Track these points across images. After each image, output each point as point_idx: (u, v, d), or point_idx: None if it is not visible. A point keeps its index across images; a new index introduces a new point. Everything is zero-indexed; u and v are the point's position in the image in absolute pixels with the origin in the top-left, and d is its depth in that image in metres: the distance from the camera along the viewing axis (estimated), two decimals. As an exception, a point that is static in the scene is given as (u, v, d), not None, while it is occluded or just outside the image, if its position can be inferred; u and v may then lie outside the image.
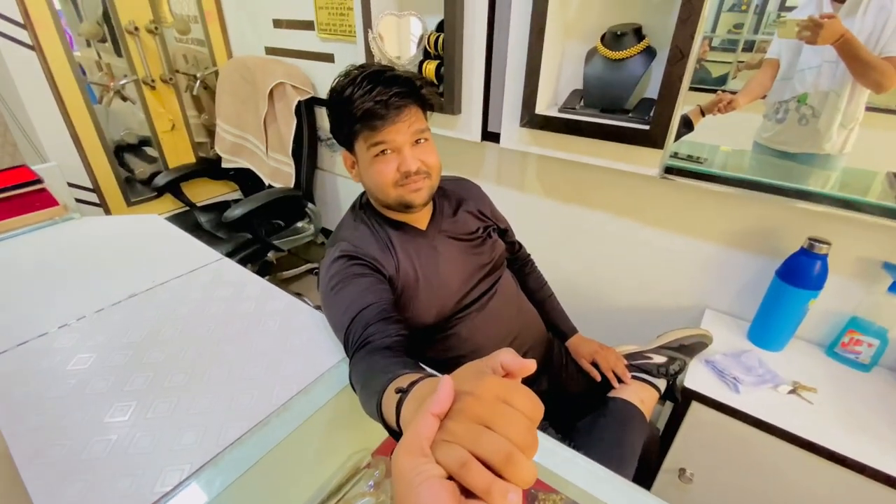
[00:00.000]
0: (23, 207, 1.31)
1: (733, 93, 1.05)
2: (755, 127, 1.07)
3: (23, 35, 1.55)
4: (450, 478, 0.29)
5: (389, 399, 0.49)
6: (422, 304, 0.84)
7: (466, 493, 0.29)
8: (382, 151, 0.77)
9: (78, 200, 1.86)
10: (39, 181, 1.42)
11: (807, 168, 1.02)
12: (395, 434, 0.50)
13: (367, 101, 0.72)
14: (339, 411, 0.77)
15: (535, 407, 0.31)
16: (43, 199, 1.39)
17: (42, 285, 1.02)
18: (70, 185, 1.79)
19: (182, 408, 0.72)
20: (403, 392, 0.45)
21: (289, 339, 0.87)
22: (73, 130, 1.78)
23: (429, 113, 0.84)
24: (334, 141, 0.99)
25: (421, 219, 0.88)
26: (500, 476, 0.28)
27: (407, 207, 0.81)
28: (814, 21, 0.90)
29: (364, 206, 0.89)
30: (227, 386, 0.76)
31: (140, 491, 0.60)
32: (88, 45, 1.93)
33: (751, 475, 0.98)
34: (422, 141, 0.79)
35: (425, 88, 0.78)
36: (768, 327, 1.09)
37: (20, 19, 1.53)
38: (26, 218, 1.28)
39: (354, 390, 0.66)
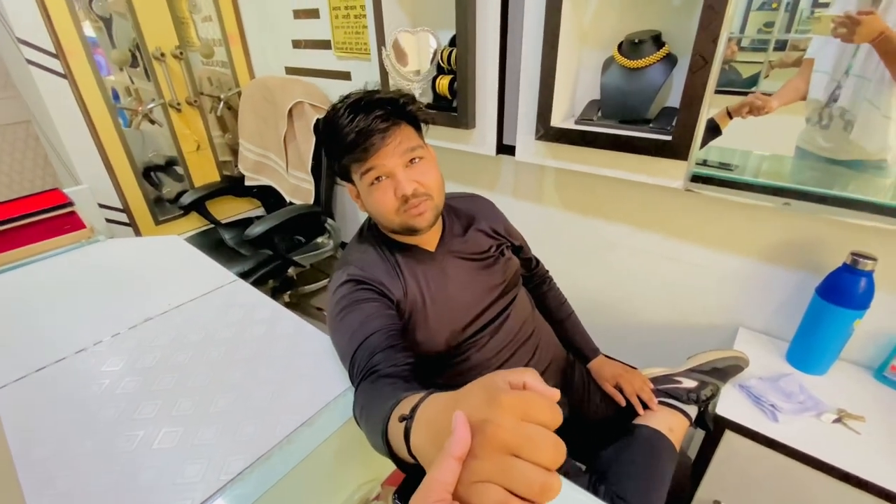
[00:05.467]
0: (52, 231, 1.35)
1: (767, 94, 0.98)
2: (790, 130, 1.00)
3: (55, 64, 1.62)
4: None
5: (395, 429, 0.46)
6: (431, 329, 0.81)
7: None
8: (377, 178, 0.74)
9: (109, 221, 1.92)
10: (70, 204, 1.47)
11: (853, 174, 0.94)
12: (406, 465, 0.48)
13: (350, 132, 0.71)
14: (347, 441, 0.74)
15: (554, 414, 0.30)
16: (72, 222, 1.44)
17: (63, 309, 1.04)
18: (101, 206, 1.85)
19: (187, 438, 0.71)
20: (408, 419, 0.43)
21: (296, 365, 0.85)
22: (104, 154, 1.85)
23: (428, 128, 0.82)
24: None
25: (429, 240, 0.85)
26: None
27: (413, 232, 0.79)
28: (850, 17, 0.83)
29: (371, 229, 0.87)
30: (233, 415, 0.75)
31: (141, 527, 0.59)
32: (121, 69, 2.01)
33: (793, 512, 0.91)
34: (416, 161, 0.76)
35: (412, 105, 0.75)
36: (809, 349, 1.01)
37: (53, 49, 1.60)
38: (54, 241, 1.33)
39: (358, 424, 0.63)
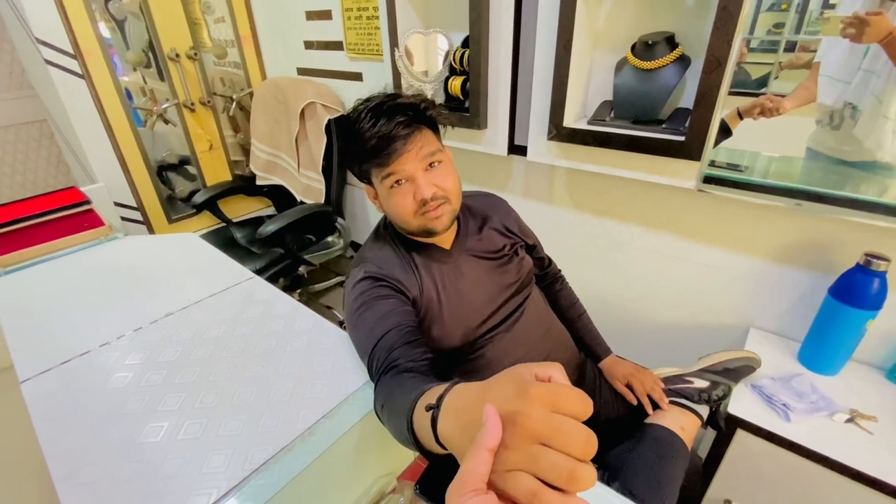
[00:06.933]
0: (71, 228, 1.38)
1: (779, 96, 0.98)
2: (801, 131, 1.00)
3: (73, 64, 1.65)
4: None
5: (421, 418, 0.47)
6: (446, 326, 0.82)
7: None
8: (397, 182, 0.76)
9: (123, 219, 1.95)
10: (87, 202, 1.50)
11: (865, 175, 0.94)
12: (431, 454, 0.49)
13: (372, 137, 0.72)
14: (365, 435, 0.76)
15: (584, 406, 0.31)
16: (90, 220, 1.46)
17: (86, 304, 1.07)
18: (116, 204, 1.88)
19: (211, 429, 0.72)
20: (434, 408, 0.44)
21: (315, 360, 0.87)
22: (119, 153, 1.88)
23: (445, 130, 0.83)
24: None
25: (445, 239, 0.87)
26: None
27: (430, 234, 0.80)
28: (859, 17, 0.84)
29: (388, 227, 0.89)
30: (255, 407, 0.76)
31: (168, 515, 0.61)
32: (135, 70, 2.04)
33: (805, 510, 0.91)
34: (435, 164, 0.77)
35: (432, 110, 0.77)
36: (821, 349, 1.02)
37: (71, 50, 1.63)
38: (73, 238, 1.35)
39: (380, 418, 0.65)
